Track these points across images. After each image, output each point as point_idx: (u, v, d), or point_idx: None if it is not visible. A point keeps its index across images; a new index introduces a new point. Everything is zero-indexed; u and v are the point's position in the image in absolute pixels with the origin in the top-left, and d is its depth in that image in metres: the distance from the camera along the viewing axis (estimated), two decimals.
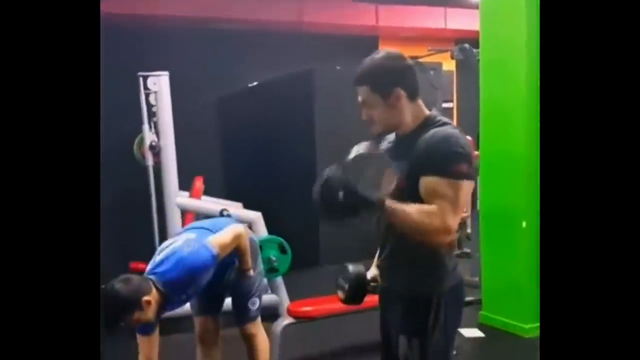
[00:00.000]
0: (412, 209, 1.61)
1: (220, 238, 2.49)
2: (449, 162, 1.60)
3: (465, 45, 4.56)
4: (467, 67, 4.63)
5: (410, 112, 1.73)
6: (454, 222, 1.61)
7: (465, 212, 6.27)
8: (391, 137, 1.84)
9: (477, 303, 4.37)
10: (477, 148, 4.56)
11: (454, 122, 6.33)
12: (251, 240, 2.75)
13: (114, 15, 5.42)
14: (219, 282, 2.63)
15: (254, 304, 2.76)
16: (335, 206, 1.57)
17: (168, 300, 2.35)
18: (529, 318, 3.88)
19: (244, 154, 6.15)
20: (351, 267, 1.92)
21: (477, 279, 4.49)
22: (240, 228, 2.63)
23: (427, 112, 1.75)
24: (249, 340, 2.81)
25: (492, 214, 4.18)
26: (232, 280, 2.72)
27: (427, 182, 1.62)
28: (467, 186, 1.62)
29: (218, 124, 6.41)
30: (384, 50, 1.78)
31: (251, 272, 2.69)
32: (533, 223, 3.88)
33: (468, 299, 4.55)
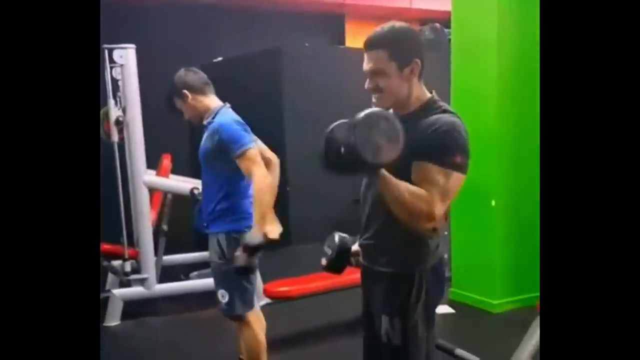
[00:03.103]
0: (403, 187, 1.58)
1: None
2: (447, 151, 1.58)
3: (436, 24, 4.56)
4: (438, 47, 4.63)
5: (416, 91, 1.69)
6: (440, 210, 1.59)
7: None
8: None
9: (448, 280, 4.45)
10: None
11: None
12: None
13: None
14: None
15: (223, 297, 2.52)
16: (335, 160, 1.55)
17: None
18: (497, 294, 3.98)
19: None
20: (337, 236, 1.92)
21: (446, 256, 4.56)
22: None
23: (428, 94, 1.72)
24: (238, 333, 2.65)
25: (461, 193, 4.20)
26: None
27: (420, 167, 1.60)
28: (459, 178, 1.60)
29: None
30: (396, 22, 1.70)
31: (256, 232, 2.33)
32: (502, 202, 3.97)
33: None
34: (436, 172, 1.57)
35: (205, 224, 2.59)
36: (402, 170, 1.61)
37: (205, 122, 2.56)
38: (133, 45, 3.98)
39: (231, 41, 6.24)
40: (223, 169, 2.48)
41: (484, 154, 4.02)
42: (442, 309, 4.09)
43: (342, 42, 6.92)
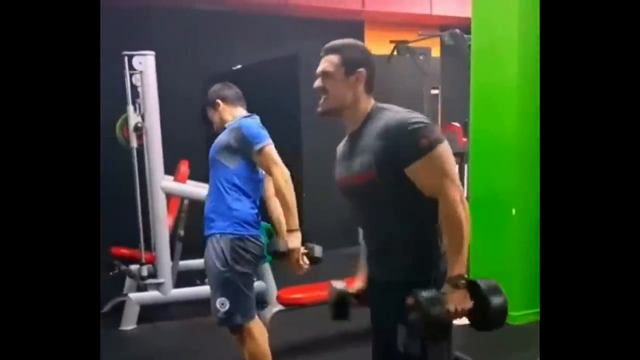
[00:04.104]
0: (454, 239, 1.61)
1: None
2: (417, 140, 1.61)
3: (456, 30, 4.52)
4: (457, 53, 4.59)
5: (362, 102, 1.77)
6: (460, 191, 1.63)
7: None
8: (345, 138, 1.87)
9: None
10: (465, 135, 4.55)
11: (439, 109, 6.33)
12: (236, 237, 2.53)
13: None
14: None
15: (223, 306, 2.50)
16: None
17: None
18: (518, 305, 3.89)
19: None
20: (335, 286, 1.94)
21: None
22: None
23: (372, 103, 1.80)
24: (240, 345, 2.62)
25: (481, 202, 4.17)
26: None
27: (414, 172, 1.63)
28: (444, 149, 1.64)
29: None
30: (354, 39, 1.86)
31: (295, 238, 2.42)
32: (523, 210, 3.89)
33: None
34: (426, 166, 1.61)
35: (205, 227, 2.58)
36: (381, 179, 1.66)
37: (225, 126, 2.64)
38: (152, 52, 4.00)
39: (250, 48, 6.26)
40: (232, 166, 2.51)
41: (504, 161, 3.96)
42: (460, 320, 4.01)
43: None
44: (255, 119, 2.64)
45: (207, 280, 4.57)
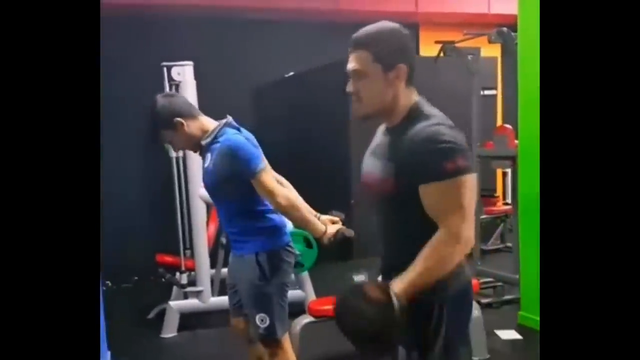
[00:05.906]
0: (427, 260, 1.46)
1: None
2: (439, 162, 1.44)
3: (504, 28, 4.29)
4: (507, 52, 4.36)
5: (403, 98, 1.57)
6: (468, 230, 1.46)
7: (509, 205, 5.98)
8: (382, 128, 1.69)
9: (517, 302, 4.12)
10: (517, 137, 4.31)
11: (499, 111, 6.03)
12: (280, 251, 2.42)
13: (138, 5, 5.44)
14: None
15: (263, 322, 2.36)
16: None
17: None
18: None
19: (276, 146, 6.07)
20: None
21: (517, 276, 4.23)
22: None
23: (415, 99, 1.59)
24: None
25: (531, 207, 3.93)
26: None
27: (426, 192, 1.48)
28: (467, 181, 1.45)
29: (252, 115, 6.31)
30: (387, 21, 1.60)
31: (333, 228, 2.36)
32: None
33: (507, 297, 4.32)
34: (442, 191, 1.45)
35: (233, 246, 2.48)
36: (400, 194, 1.53)
37: (203, 143, 2.34)
38: (190, 62, 4.06)
39: (301, 56, 6.26)
40: (241, 196, 2.33)
41: None
42: (508, 334, 3.79)
43: (416, 51, 6.72)
44: (235, 131, 2.33)
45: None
